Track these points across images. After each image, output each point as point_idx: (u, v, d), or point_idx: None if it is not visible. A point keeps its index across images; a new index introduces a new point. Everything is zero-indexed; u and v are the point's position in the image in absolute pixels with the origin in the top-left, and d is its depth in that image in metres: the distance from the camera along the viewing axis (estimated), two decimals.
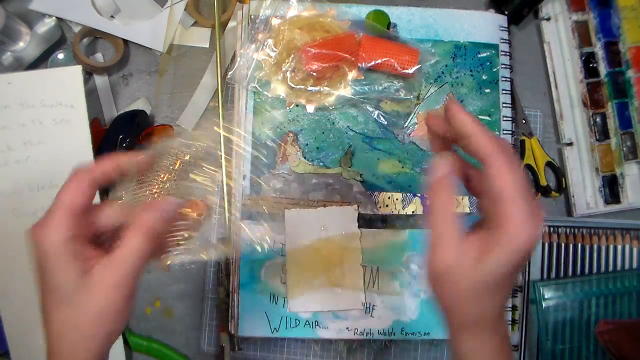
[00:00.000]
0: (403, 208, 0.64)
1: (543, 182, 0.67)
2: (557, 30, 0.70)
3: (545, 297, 0.64)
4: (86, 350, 0.36)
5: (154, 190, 0.60)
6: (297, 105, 0.64)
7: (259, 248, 0.62)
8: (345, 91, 0.63)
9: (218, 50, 0.64)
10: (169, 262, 0.44)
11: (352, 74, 0.63)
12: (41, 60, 0.65)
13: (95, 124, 0.63)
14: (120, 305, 0.36)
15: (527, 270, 0.65)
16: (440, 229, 0.37)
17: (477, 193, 0.41)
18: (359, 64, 0.63)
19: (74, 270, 0.35)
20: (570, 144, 0.68)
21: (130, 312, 0.38)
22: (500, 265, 0.35)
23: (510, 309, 0.64)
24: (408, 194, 0.64)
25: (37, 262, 0.36)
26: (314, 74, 0.62)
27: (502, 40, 0.67)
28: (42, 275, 0.36)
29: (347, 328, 0.62)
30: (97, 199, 0.59)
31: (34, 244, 0.36)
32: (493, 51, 0.66)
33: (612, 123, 0.67)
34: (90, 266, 0.36)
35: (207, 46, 0.68)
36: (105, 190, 0.63)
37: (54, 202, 0.37)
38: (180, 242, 0.45)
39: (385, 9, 0.65)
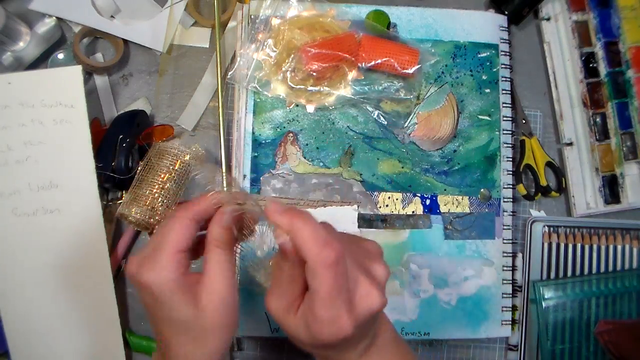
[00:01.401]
0: (403, 208, 0.64)
1: (543, 182, 0.67)
2: (557, 30, 0.70)
3: (545, 297, 0.64)
4: None
5: (154, 190, 0.60)
6: (297, 105, 0.64)
7: (258, 248, 0.62)
8: (345, 91, 0.63)
9: (218, 50, 0.64)
10: None
11: (352, 74, 0.63)
12: (41, 60, 0.65)
13: (95, 124, 0.63)
14: (230, 316, 0.41)
15: (527, 270, 0.65)
16: (310, 239, 0.37)
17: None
18: (359, 64, 0.63)
19: (186, 303, 0.39)
20: (570, 144, 0.68)
21: (238, 315, 0.42)
22: (304, 325, 0.39)
23: (510, 309, 0.64)
24: (408, 194, 0.64)
25: (150, 299, 0.40)
26: (314, 74, 0.62)
27: (502, 40, 0.67)
28: (157, 310, 0.40)
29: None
30: (97, 199, 0.59)
31: (143, 284, 0.39)
32: (493, 51, 0.66)
33: (612, 123, 0.67)
34: (195, 293, 0.40)
35: (207, 46, 0.68)
36: (106, 190, 0.63)
37: (158, 242, 0.40)
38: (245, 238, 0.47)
39: (385, 9, 0.65)
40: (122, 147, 0.60)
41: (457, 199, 0.64)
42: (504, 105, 0.66)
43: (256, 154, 0.63)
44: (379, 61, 0.63)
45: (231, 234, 0.41)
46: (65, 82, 0.59)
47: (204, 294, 0.39)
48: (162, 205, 0.60)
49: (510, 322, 0.64)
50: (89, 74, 0.66)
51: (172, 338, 0.41)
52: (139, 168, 0.61)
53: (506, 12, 0.68)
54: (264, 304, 0.61)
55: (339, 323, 0.37)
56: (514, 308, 0.65)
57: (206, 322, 0.39)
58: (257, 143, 0.63)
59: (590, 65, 0.68)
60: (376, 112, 0.64)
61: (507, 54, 0.67)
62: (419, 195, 0.64)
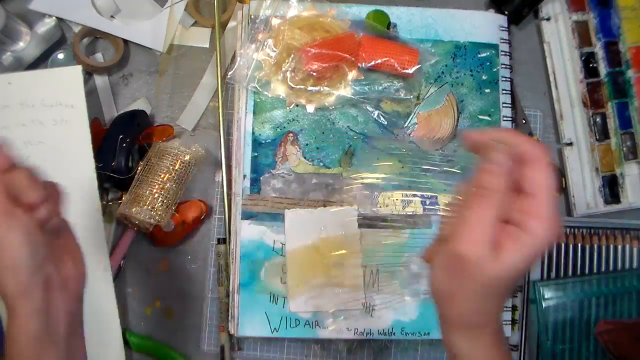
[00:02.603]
0: (403, 208, 0.64)
1: None
2: (557, 30, 0.70)
3: (545, 297, 0.64)
4: None
5: (154, 190, 0.60)
6: (297, 105, 0.64)
7: (259, 248, 0.62)
8: (345, 91, 0.63)
9: (218, 50, 0.64)
10: None
11: (352, 74, 0.63)
12: (41, 60, 0.65)
13: (95, 124, 0.63)
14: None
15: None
16: (481, 215, 0.35)
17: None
18: (359, 64, 0.63)
19: None
20: (570, 144, 0.68)
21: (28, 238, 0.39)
22: (519, 261, 0.35)
23: (510, 309, 0.64)
24: (408, 194, 0.64)
25: None
26: (314, 74, 0.62)
27: (502, 40, 0.67)
28: None
29: (347, 328, 0.62)
30: (97, 199, 0.59)
31: None
32: (493, 51, 0.66)
33: (612, 123, 0.67)
34: None
35: (207, 46, 0.68)
36: (106, 190, 0.63)
37: None
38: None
39: (385, 9, 0.65)
40: (122, 147, 0.60)
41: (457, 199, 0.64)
42: (504, 105, 0.66)
43: (256, 154, 0.63)
44: (379, 61, 0.63)
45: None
46: (65, 82, 0.59)
47: None
48: (162, 205, 0.60)
49: (510, 322, 0.64)
50: (89, 74, 0.66)
51: None
52: (139, 168, 0.61)
53: (506, 12, 0.68)
54: (263, 304, 0.61)
55: (556, 223, 0.35)
56: (514, 308, 0.65)
57: None
58: (257, 143, 0.63)
59: (590, 65, 0.68)
60: (376, 112, 0.64)
61: (507, 54, 0.67)
62: (419, 195, 0.64)
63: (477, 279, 0.36)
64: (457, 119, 0.65)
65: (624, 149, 0.67)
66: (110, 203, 0.63)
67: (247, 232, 0.62)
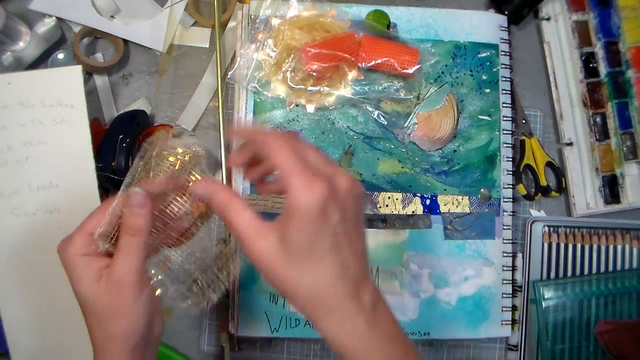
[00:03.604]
0: (403, 208, 0.64)
1: (543, 182, 0.67)
2: (557, 30, 0.70)
3: (545, 297, 0.64)
4: (113, 346, 0.40)
5: None
6: (297, 105, 0.64)
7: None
8: (345, 91, 0.63)
9: (218, 50, 0.64)
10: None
11: (352, 74, 0.63)
12: (41, 60, 0.65)
13: (95, 124, 0.63)
14: (128, 300, 0.40)
15: (527, 270, 0.65)
16: (242, 227, 0.38)
17: (276, 190, 0.44)
18: (359, 64, 0.63)
19: (88, 280, 0.40)
20: (570, 144, 0.68)
21: (145, 307, 0.41)
22: (298, 233, 0.36)
23: (510, 309, 0.64)
24: (408, 194, 0.64)
25: (66, 273, 0.42)
26: (314, 74, 0.62)
27: (502, 40, 0.67)
28: (71, 284, 0.41)
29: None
30: (97, 199, 0.59)
31: (60, 257, 0.41)
32: (493, 51, 0.66)
33: (612, 123, 0.67)
34: (100, 274, 0.41)
35: (207, 46, 0.68)
36: (105, 190, 0.63)
37: (79, 225, 0.42)
38: (178, 237, 0.45)
39: (385, 9, 0.65)
40: (122, 147, 0.60)
41: (457, 199, 0.64)
42: (504, 105, 0.66)
43: None
44: (379, 61, 0.63)
45: (141, 220, 0.41)
46: (65, 82, 0.59)
47: (105, 276, 0.40)
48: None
49: (510, 322, 0.64)
50: (89, 74, 0.66)
51: (85, 317, 0.42)
52: (139, 168, 0.61)
53: (506, 12, 0.68)
54: (263, 304, 0.61)
55: (314, 183, 0.36)
56: (514, 308, 0.65)
57: (100, 303, 0.40)
58: None
59: (590, 65, 0.68)
60: (376, 112, 0.64)
61: (507, 54, 0.67)
62: (419, 195, 0.64)
63: (281, 272, 0.38)
64: (457, 119, 0.65)
65: (624, 149, 0.67)
66: None
67: None
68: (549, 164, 0.68)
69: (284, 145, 0.38)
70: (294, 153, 0.38)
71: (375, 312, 0.39)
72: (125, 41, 0.67)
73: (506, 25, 0.67)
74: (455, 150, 0.65)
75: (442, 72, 0.66)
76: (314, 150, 0.40)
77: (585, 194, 0.68)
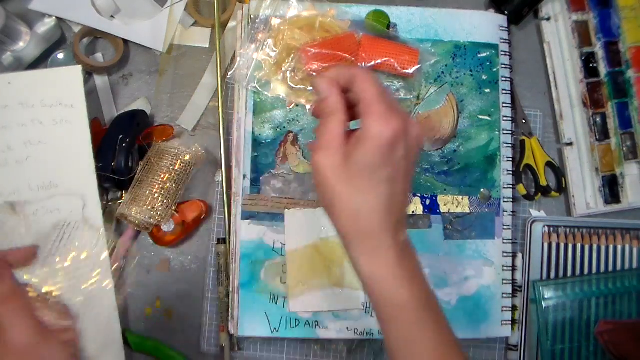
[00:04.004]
0: None
1: (543, 182, 0.67)
2: (557, 30, 0.70)
3: (545, 297, 0.64)
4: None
5: (154, 190, 0.60)
6: (297, 105, 0.64)
7: (258, 248, 0.62)
8: None
9: (218, 50, 0.64)
10: None
11: None
12: (41, 60, 0.65)
13: (95, 124, 0.63)
14: None
15: (527, 270, 0.65)
16: (327, 129, 0.40)
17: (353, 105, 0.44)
18: (359, 64, 0.63)
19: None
20: (570, 144, 0.68)
21: None
22: (364, 155, 0.39)
23: (510, 309, 0.64)
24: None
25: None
26: (314, 74, 0.62)
27: (502, 40, 0.67)
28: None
29: (347, 328, 0.62)
30: (97, 199, 0.59)
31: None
32: (493, 51, 0.66)
33: (612, 123, 0.67)
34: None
35: (207, 46, 0.68)
36: (106, 190, 0.63)
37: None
38: None
39: (385, 9, 0.65)
40: (122, 147, 0.60)
41: (457, 199, 0.64)
42: (504, 105, 0.66)
43: (256, 154, 0.63)
44: (379, 61, 0.63)
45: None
46: (65, 82, 0.59)
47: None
48: (162, 205, 0.60)
49: (510, 322, 0.64)
50: (89, 74, 0.66)
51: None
52: (139, 168, 0.61)
53: (506, 12, 0.68)
54: (263, 304, 0.61)
55: (393, 114, 0.39)
56: (514, 308, 0.65)
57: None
58: (257, 143, 0.63)
59: (590, 65, 0.68)
60: None
61: (507, 54, 0.67)
62: (419, 195, 0.64)
63: (335, 184, 0.39)
64: (457, 119, 0.65)
65: (624, 149, 0.67)
66: (110, 203, 0.63)
67: (247, 232, 0.62)
68: (549, 164, 0.68)
69: (371, 78, 0.41)
70: (380, 87, 0.40)
71: (405, 252, 0.41)
72: (125, 41, 0.67)
73: (506, 25, 0.67)
74: (455, 150, 0.65)
75: (442, 72, 0.66)
76: (392, 94, 0.42)
77: (585, 194, 0.68)
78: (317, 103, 0.43)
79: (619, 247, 0.67)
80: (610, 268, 0.66)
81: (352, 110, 0.42)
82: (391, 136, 0.39)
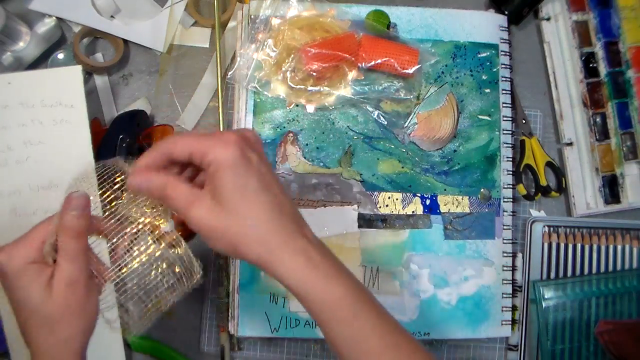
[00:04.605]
0: (403, 208, 0.64)
1: (543, 182, 0.67)
2: (557, 30, 0.70)
3: (545, 297, 0.64)
4: (66, 349, 0.41)
5: None
6: (297, 105, 0.64)
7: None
8: (345, 91, 0.63)
9: (218, 50, 0.64)
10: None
11: (352, 74, 0.63)
12: (41, 60, 0.65)
13: (95, 124, 0.63)
14: (79, 304, 0.41)
15: (527, 270, 0.65)
16: (180, 199, 0.39)
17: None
18: (359, 64, 0.63)
19: (36, 286, 0.40)
20: (570, 144, 0.68)
21: (92, 305, 0.43)
22: (224, 181, 0.38)
23: (510, 309, 0.64)
24: (408, 194, 0.64)
25: (3, 284, 0.41)
26: (314, 74, 0.62)
27: (502, 40, 0.67)
28: (12, 293, 0.41)
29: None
30: (96, 199, 0.59)
31: None
32: (493, 51, 0.66)
33: (612, 123, 0.67)
34: (49, 280, 0.41)
35: (207, 46, 0.68)
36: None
37: (24, 234, 0.42)
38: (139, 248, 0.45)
39: (385, 9, 0.65)
40: (122, 147, 0.60)
41: (457, 199, 0.64)
42: (504, 105, 0.66)
43: None
44: (379, 61, 0.63)
45: (82, 221, 0.41)
46: (65, 82, 0.59)
47: (53, 281, 0.40)
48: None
49: (510, 322, 0.64)
50: (89, 74, 0.66)
51: (27, 324, 0.41)
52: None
53: (506, 12, 0.68)
54: (263, 304, 0.61)
55: (224, 137, 0.39)
56: (514, 308, 0.65)
57: (54, 307, 0.40)
58: None
59: (590, 65, 0.68)
60: (376, 112, 0.64)
61: (507, 54, 0.67)
62: (419, 195, 0.64)
63: (220, 224, 0.39)
64: (457, 119, 0.65)
65: (624, 149, 0.67)
66: None
67: None
68: (549, 164, 0.68)
69: (170, 139, 0.40)
70: (193, 134, 0.41)
71: (323, 247, 0.41)
72: (125, 41, 0.67)
73: (506, 25, 0.67)
74: (455, 150, 0.65)
75: (442, 72, 0.66)
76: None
77: (585, 194, 0.68)
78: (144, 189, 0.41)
79: (619, 247, 0.66)
80: (610, 268, 0.66)
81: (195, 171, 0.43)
82: (236, 150, 0.38)
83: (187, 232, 0.64)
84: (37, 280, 0.40)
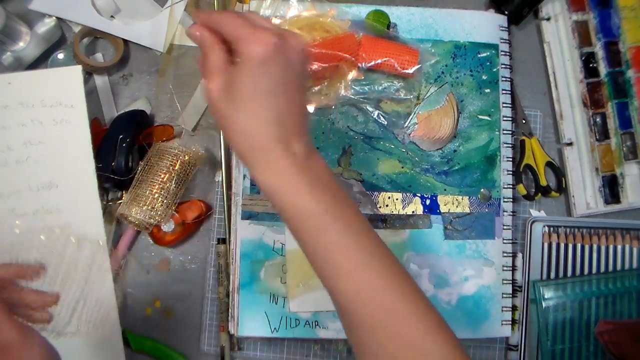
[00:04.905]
0: (403, 208, 0.64)
1: (543, 182, 0.67)
2: (557, 30, 0.70)
3: (545, 297, 0.64)
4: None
5: (154, 191, 0.60)
6: None
7: (258, 248, 0.62)
8: (345, 91, 0.63)
9: None
10: None
11: (352, 74, 0.63)
12: (41, 60, 0.65)
13: (95, 124, 0.63)
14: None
15: (527, 270, 0.65)
16: (211, 61, 0.41)
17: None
18: (359, 64, 0.63)
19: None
20: (570, 144, 0.68)
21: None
22: (241, 74, 0.40)
23: (510, 309, 0.64)
24: (408, 194, 0.64)
25: None
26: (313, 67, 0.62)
27: (502, 40, 0.67)
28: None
29: None
30: (97, 199, 0.59)
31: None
32: (493, 51, 0.66)
33: (612, 123, 0.67)
34: None
35: None
36: (106, 190, 0.63)
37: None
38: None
39: (385, 9, 0.65)
40: (122, 147, 0.60)
41: (457, 199, 0.64)
42: (504, 105, 0.66)
43: None
44: (379, 61, 0.63)
45: None
46: (65, 82, 0.59)
47: None
48: (162, 205, 0.60)
49: (510, 322, 0.64)
50: (89, 74, 0.66)
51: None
52: (139, 168, 0.61)
53: (506, 12, 0.68)
54: (263, 304, 0.61)
55: (261, 33, 0.40)
56: (514, 308, 0.65)
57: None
58: None
59: (590, 65, 0.68)
60: (376, 112, 0.64)
61: (507, 54, 0.67)
62: (419, 195, 0.64)
63: (223, 107, 0.41)
64: (457, 119, 0.65)
65: (624, 149, 0.67)
66: (110, 203, 0.63)
67: (247, 232, 0.62)
68: (549, 164, 0.68)
69: (231, 14, 0.41)
70: (242, 16, 0.41)
71: (308, 162, 0.42)
72: (125, 41, 0.67)
73: (506, 25, 0.67)
74: (455, 150, 0.65)
75: (442, 72, 0.66)
76: (268, 19, 0.44)
77: (585, 194, 0.68)
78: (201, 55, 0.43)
79: (619, 247, 0.66)
80: (610, 268, 0.66)
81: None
82: (262, 51, 0.39)
83: (186, 232, 0.64)
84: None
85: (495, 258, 0.64)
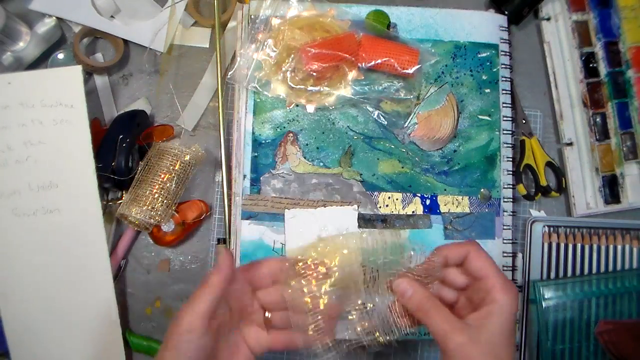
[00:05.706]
0: (403, 208, 0.64)
1: (543, 182, 0.67)
2: (557, 30, 0.70)
3: (545, 297, 0.64)
4: None
5: (154, 191, 0.60)
6: (297, 105, 0.64)
7: (259, 248, 0.62)
8: (345, 91, 0.63)
9: (218, 50, 0.64)
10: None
11: (352, 74, 0.63)
12: (41, 60, 0.66)
13: (95, 124, 0.63)
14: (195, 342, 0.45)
15: (527, 270, 0.65)
16: (442, 322, 0.44)
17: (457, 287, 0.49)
18: (359, 64, 0.63)
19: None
20: (570, 144, 0.68)
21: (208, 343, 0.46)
22: (499, 325, 0.43)
23: None
24: (408, 194, 0.64)
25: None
26: (314, 74, 0.62)
27: (502, 40, 0.67)
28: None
29: (347, 328, 0.62)
30: (97, 199, 0.59)
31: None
32: (493, 51, 0.66)
33: (612, 123, 0.67)
34: None
35: (207, 46, 0.68)
36: (106, 190, 0.63)
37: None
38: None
39: (385, 9, 0.65)
40: (122, 147, 0.60)
41: (457, 199, 0.64)
42: (504, 105, 0.66)
43: (256, 154, 0.63)
44: (379, 61, 0.63)
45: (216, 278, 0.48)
46: (65, 82, 0.59)
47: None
48: (162, 205, 0.60)
49: None
50: (89, 74, 0.66)
51: None
52: (139, 168, 0.61)
53: (506, 12, 0.68)
54: None
55: (513, 288, 0.44)
56: None
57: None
58: (257, 143, 0.63)
59: (590, 65, 0.68)
60: (376, 112, 0.64)
61: (507, 54, 0.67)
62: (419, 195, 0.64)
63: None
64: (457, 119, 0.65)
65: (624, 149, 0.67)
66: (110, 203, 0.63)
67: (247, 232, 0.62)
68: (549, 164, 0.68)
69: (484, 254, 0.46)
70: (491, 262, 0.45)
71: None
72: (125, 41, 0.67)
73: (506, 25, 0.67)
74: (455, 150, 0.65)
75: (442, 72, 0.66)
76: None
77: (585, 194, 0.68)
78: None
79: (619, 247, 0.66)
80: (610, 268, 0.66)
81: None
82: (516, 304, 0.43)
83: (186, 232, 0.64)
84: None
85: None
